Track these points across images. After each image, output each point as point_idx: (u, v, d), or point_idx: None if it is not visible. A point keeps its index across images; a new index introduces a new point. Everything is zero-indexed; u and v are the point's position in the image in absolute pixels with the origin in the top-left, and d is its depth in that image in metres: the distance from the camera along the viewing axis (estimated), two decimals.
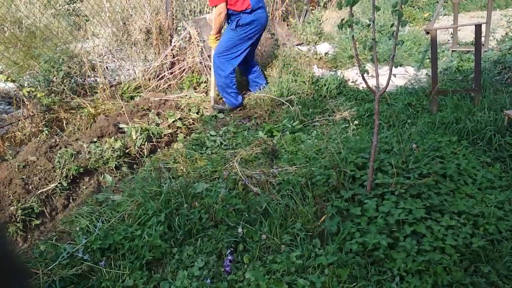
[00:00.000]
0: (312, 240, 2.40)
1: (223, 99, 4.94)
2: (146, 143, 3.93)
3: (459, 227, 2.28)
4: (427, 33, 4.23)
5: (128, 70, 5.48)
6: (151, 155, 3.94)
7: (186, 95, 4.97)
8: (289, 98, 4.87)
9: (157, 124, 4.13)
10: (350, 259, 2.18)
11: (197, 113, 4.61)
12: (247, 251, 2.38)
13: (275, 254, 2.31)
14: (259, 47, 5.73)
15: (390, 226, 2.29)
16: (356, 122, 3.94)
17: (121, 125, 3.97)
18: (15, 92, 4.28)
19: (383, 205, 2.40)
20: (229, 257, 2.31)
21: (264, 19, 4.79)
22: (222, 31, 4.88)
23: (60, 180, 3.25)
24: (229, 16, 4.71)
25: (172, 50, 5.54)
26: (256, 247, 2.36)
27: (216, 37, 4.78)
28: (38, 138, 3.74)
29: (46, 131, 3.95)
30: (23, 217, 2.94)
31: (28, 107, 4.05)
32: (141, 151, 3.90)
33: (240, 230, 2.44)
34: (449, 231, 2.25)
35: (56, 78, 4.33)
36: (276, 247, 2.37)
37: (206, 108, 4.82)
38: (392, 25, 2.40)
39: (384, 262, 2.17)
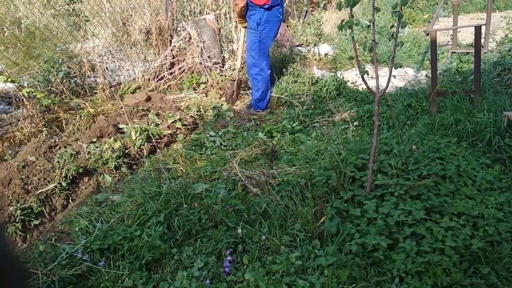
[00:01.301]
0: (311, 241, 2.40)
1: (251, 100, 4.97)
2: (145, 143, 3.92)
3: (459, 228, 2.28)
4: (427, 34, 4.24)
5: (128, 70, 5.48)
6: (151, 155, 3.94)
7: (186, 96, 4.97)
8: (288, 99, 4.88)
9: (157, 125, 4.12)
10: (350, 260, 2.18)
11: (197, 113, 4.61)
12: (247, 252, 2.38)
13: (274, 255, 2.31)
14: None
15: (390, 227, 2.29)
16: (355, 123, 3.94)
17: (120, 126, 3.97)
18: (15, 92, 4.28)
19: (383, 206, 2.39)
20: (229, 258, 2.31)
21: (280, 17, 4.74)
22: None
23: (59, 180, 3.24)
24: (247, 10, 4.65)
25: (172, 50, 5.54)
26: (255, 248, 2.36)
27: (240, 21, 4.81)
28: (37, 138, 3.73)
29: (46, 131, 3.94)
30: (22, 217, 2.93)
31: (28, 107, 4.04)
32: (140, 151, 3.90)
33: (239, 230, 2.44)
34: (448, 232, 2.24)
35: (56, 79, 4.33)
36: (276, 248, 2.37)
37: (206, 108, 4.81)
38: (392, 26, 2.40)
39: (383, 263, 2.17)
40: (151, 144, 3.98)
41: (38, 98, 4.01)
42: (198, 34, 5.53)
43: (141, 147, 3.91)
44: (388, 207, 2.37)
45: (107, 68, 5.34)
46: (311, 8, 8.25)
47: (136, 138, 3.88)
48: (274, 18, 4.65)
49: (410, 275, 2.09)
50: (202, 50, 5.54)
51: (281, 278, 2.12)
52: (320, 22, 6.64)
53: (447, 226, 2.28)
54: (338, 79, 5.29)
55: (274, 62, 5.73)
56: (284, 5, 4.90)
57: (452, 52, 6.18)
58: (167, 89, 5.32)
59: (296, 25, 7.67)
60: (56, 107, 4.21)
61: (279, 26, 4.84)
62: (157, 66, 5.42)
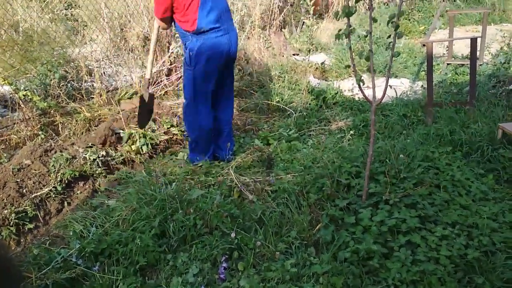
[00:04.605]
0: (307, 249, 2.40)
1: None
2: (142, 148, 3.92)
3: (453, 238, 2.29)
4: (423, 45, 4.29)
5: (125, 76, 5.47)
6: (147, 160, 3.94)
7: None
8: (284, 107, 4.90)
9: (153, 130, 4.13)
10: (345, 268, 2.18)
11: None
12: (242, 259, 2.38)
13: (269, 262, 2.31)
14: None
15: (384, 234, 2.29)
16: (351, 132, 3.97)
17: (117, 131, 3.96)
18: (11, 95, 4.26)
19: (377, 215, 2.40)
20: (224, 264, 2.30)
21: (225, 45, 3.31)
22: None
23: (54, 184, 3.23)
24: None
25: (169, 57, 5.55)
26: (251, 255, 2.36)
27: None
28: (33, 142, 3.72)
29: (42, 135, 3.93)
30: (16, 220, 2.91)
31: (24, 110, 4.03)
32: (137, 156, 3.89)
33: (233, 234, 2.44)
34: (443, 241, 2.26)
35: (53, 82, 4.32)
36: (271, 255, 2.37)
37: None
38: (389, 36, 2.43)
39: (378, 272, 2.18)
40: (147, 149, 3.98)
41: (34, 101, 4.00)
42: None
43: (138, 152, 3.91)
44: (382, 215, 2.38)
45: (104, 73, 5.34)
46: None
47: (132, 143, 3.88)
48: (211, 47, 3.27)
49: (405, 284, 2.09)
50: None
51: (276, 285, 2.11)
52: (309, 28, 6.63)
53: (441, 235, 2.29)
54: (334, 88, 5.33)
55: (271, 71, 5.76)
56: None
57: (448, 64, 6.24)
58: (164, 95, 5.32)
59: (293, 33, 7.71)
60: (52, 111, 4.20)
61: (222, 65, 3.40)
62: (155, 72, 5.42)
